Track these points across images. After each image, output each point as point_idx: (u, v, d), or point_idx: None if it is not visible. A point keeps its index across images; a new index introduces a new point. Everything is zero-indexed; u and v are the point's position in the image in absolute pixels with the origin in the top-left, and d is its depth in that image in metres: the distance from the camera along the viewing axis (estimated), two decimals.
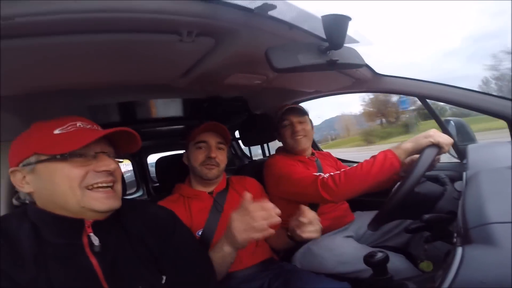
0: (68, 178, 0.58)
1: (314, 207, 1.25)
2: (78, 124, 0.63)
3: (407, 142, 0.99)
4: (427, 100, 1.25)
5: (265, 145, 2.03)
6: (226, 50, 0.75)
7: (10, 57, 0.59)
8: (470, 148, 1.01)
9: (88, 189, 0.60)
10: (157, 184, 2.74)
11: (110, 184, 0.63)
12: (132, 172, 3.21)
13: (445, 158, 1.22)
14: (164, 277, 0.69)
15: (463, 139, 1.24)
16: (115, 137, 0.64)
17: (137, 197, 3.03)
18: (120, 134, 0.63)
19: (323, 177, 1.06)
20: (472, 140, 1.25)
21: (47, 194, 0.59)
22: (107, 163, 0.62)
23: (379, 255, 0.76)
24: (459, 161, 1.23)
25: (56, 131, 0.60)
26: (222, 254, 0.81)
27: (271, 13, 0.65)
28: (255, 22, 0.69)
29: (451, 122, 1.26)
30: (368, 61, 1.00)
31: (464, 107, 1.16)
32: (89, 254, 0.60)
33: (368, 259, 0.77)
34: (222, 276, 0.83)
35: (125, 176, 1.51)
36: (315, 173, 1.14)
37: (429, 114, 1.28)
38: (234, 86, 1.10)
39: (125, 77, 0.87)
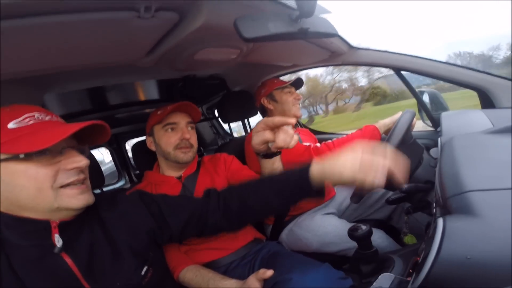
0: (36, 180, 0.52)
1: None
2: (36, 116, 0.54)
3: (385, 119, 1.15)
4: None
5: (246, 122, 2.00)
6: (191, 24, 0.70)
7: None
8: (444, 115, 1.03)
9: (61, 187, 0.54)
10: (138, 172, 2.67)
11: (82, 182, 0.58)
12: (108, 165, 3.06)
13: (419, 127, 1.26)
14: (145, 268, 0.65)
15: (436, 109, 1.29)
16: (81, 129, 0.56)
17: (120, 186, 2.94)
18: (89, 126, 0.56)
19: (315, 146, 1.13)
20: (445, 109, 1.29)
21: (9, 197, 0.52)
22: (77, 160, 0.56)
23: (363, 228, 0.76)
24: (433, 129, 1.27)
25: (11, 125, 0.52)
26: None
27: None
28: None
29: (426, 92, 1.31)
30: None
31: (438, 79, 1.20)
32: (62, 253, 0.56)
33: (352, 233, 0.77)
34: None
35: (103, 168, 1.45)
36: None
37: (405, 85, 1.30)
38: (207, 62, 1.05)
39: (85, 61, 0.79)
